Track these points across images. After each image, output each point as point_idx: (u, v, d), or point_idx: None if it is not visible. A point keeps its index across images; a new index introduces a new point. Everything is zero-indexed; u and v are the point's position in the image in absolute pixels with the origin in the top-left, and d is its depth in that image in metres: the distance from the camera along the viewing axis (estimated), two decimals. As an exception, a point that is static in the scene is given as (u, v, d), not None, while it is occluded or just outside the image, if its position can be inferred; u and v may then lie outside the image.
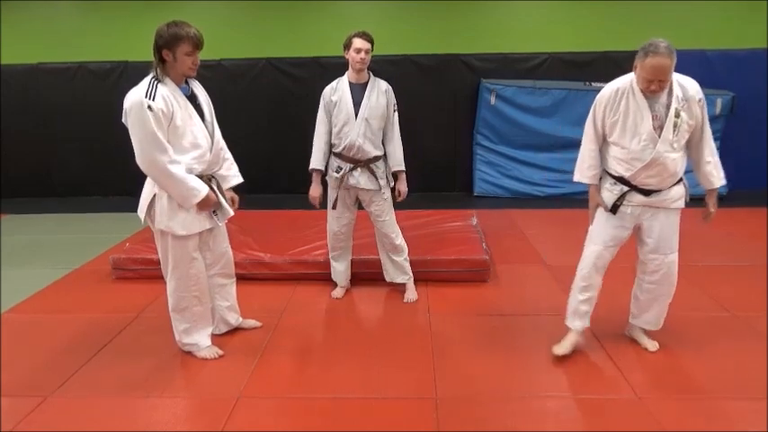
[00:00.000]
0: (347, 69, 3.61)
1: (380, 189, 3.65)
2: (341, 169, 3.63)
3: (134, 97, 2.66)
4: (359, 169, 3.61)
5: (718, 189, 2.99)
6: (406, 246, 3.85)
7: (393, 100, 3.65)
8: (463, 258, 4.10)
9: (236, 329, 3.38)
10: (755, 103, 7.00)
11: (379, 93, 3.58)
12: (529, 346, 3.22)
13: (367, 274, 4.03)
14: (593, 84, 6.87)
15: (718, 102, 6.76)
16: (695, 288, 3.98)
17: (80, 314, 3.71)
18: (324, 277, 4.16)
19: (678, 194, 2.94)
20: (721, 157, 7.37)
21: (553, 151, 6.83)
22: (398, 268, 3.86)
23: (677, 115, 2.83)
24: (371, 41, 3.50)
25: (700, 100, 2.87)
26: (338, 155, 3.64)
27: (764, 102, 7.01)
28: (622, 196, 2.91)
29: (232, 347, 3.17)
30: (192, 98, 2.86)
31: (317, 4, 7.34)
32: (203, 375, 2.93)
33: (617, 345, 3.17)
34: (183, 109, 2.76)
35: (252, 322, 3.43)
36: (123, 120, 2.71)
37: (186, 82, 2.86)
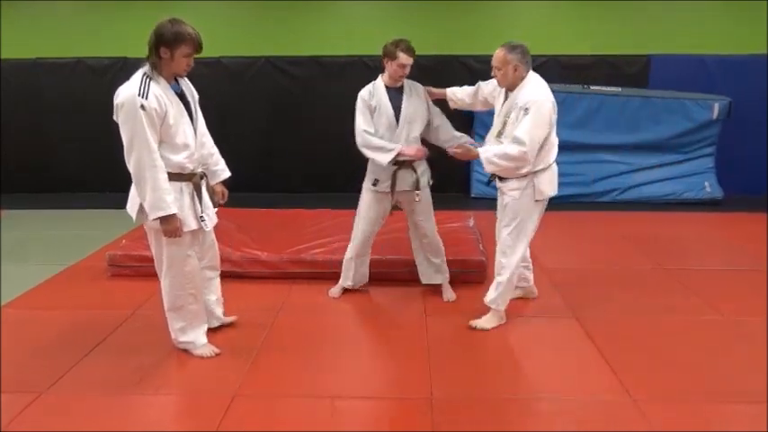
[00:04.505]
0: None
1: (418, 188, 3.65)
2: (378, 180, 3.63)
3: (126, 94, 2.61)
4: (401, 171, 3.60)
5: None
6: (443, 246, 3.86)
7: (429, 99, 3.62)
8: (460, 259, 4.11)
9: (230, 326, 3.38)
10: (753, 108, 7.02)
11: (417, 96, 3.55)
12: (524, 348, 3.24)
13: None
14: (590, 87, 6.89)
15: (716, 106, 6.78)
16: (690, 292, 4.00)
17: (75, 311, 3.70)
18: (320, 276, 4.17)
19: (512, 187, 3.27)
20: (717, 161, 7.46)
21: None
22: (436, 269, 3.86)
23: (507, 115, 3.22)
24: (414, 54, 3.43)
25: (526, 110, 3.12)
26: None
27: (762, 107, 7.04)
28: (491, 177, 3.44)
29: (228, 346, 3.17)
30: (181, 96, 2.84)
31: (317, 4, 7.34)
32: (199, 373, 2.93)
33: (612, 346, 3.18)
34: (176, 108, 2.75)
35: (231, 318, 3.44)
36: (114, 116, 2.68)
37: (176, 80, 2.84)
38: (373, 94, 3.53)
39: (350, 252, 3.86)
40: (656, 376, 2.89)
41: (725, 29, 7.13)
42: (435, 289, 3.97)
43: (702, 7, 7.14)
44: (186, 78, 2.93)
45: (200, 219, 2.90)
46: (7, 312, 3.66)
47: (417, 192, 3.64)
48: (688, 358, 3.07)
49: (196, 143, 2.88)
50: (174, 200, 2.73)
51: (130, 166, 2.70)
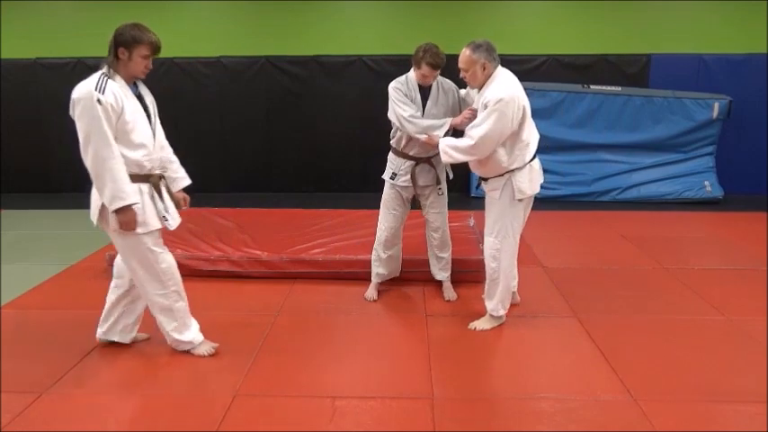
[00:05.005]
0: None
1: (439, 183, 3.66)
2: (396, 174, 3.63)
3: (83, 89, 2.63)
4: (419, 166, 3.61)
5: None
6: (450, 244, 3.87)
7: (459, 96, 3.57)
8: (460, 259, 4.10)
9: (230, 326, 3.38)
10: (753, 107, 7.05)
11: (445, 97, 3.51)
12: (524, 347, 3.24)
13: (364, 274, 4.02)
14: (590, 86, 6.90)
15: (716, 106, 6.80)
16: (690, 291, 4.00)
17: (76, 310, 3.70)
18: (321, 276, 4.17)
19: (492, 187, 3.29)
20: (717, 160, 7.48)
21: (550, 153, 6.83)
22: (442, 266, 3.88)
23: (477, 114, 3.19)
24: (440, 67, 3.37)
25: (485, 106, 3.08)
26: (399, 153, 3.62)
27: (762, 106, 7.05)
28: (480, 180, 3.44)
29: (228, 346, 3.17)
30: (139, 98, 2.83)
31: (317, 4, 7.34)
32: (199, 373, 2.93)
33: (613, 346, 3.18)
34: (133, 106, 2.75)
35: (141, 335, 3.26)
36: (70, 112, 2.67)
37: (134, 83, 2.84)
38: (408, 87, 3.48)
39: (375, 246, 3.87)
40: (656, 376, 2.88)
41: (725, 28, 7.14)
42: (435, 289, 3.97)
43: (702, 7, 7.15)
44: (143, 84, 2.90)
45: (164, 218, 2.88)
46: (7, 312, 3.66)
47: (440, 186, 3.67)
48: (688, 357, 3.07)
49: (154, 143, 2.85)
50: (134, 191, 2.70)
51: (88, 161, 2.66)
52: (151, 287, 2.92)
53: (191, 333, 3.06)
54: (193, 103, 7.26)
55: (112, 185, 2.65)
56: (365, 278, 3.99)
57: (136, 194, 2.72)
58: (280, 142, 7.54)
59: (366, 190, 6.56)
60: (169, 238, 4.46)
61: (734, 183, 7.07)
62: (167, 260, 2.93)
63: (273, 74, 7.33)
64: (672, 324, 3.49)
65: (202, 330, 3.12)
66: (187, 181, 3.13)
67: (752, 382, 2.81)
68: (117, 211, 2.69)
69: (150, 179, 2.85)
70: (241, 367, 2.96)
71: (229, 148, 7.48)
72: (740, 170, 7.18)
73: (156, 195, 2.86)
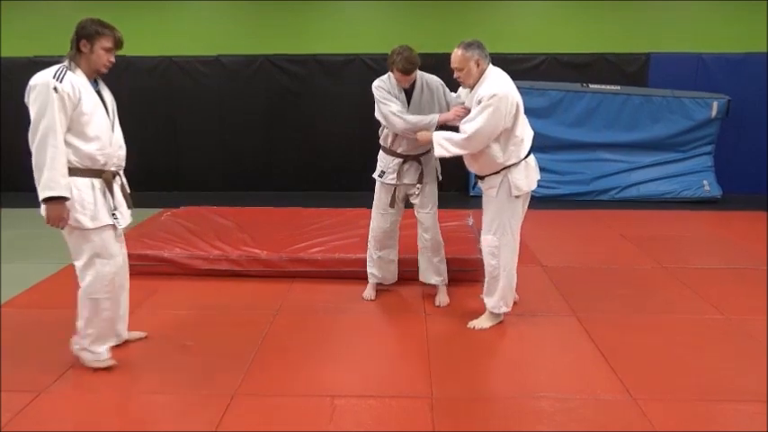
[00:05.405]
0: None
1: (426, 183, 3.64)
2: (385, 172, 3.63)
3: (41, 77, 2.64)
4: (407, 164, 3.60)
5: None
6: (443, 245, 3.84)
7: (446, 91, 3.56)
8: (459, 258, 4.11)
9: (229, 326, 3.37)
10: (752, 106, 7.05)
11: (429, 95, 3.49)
12: (524, 346, 3.24)
13: (363, 273, 4.01)
14: (589, 85, 6.90)
15: (714, 105, 6.80)
16: (689, 291, 4.01)
17: (75, 310, 3.68)
18: (320, 275, 4.17)
19: (489, 184, 3.30)
20: (716, 159, 7.48)
21: (549, 152, 6.85)
22: (435, 269, 3.84)
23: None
24: (411, 72, 3.35)
25: (479, 102, 3.11)
26: (388, 150, 3.63)
27: (760, 105, 7.06)
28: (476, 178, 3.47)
29: (227, 345, 3.17)
30: (99, 94, 2.82)
31: (317, 3, 7.34)
32: (198, 373, 2.92)
33: (612, 345, 3.19)
34: (92, 99, 2.73)
35: (138, 333, 3.26)
36: (25, 98, 2.66)
37: (95, 81, 2.83)
38: (391, 85, 3.46)
39: (368, 246, 3.87)
40: (656, 375, 2.89)
41: (724, 27, 7.14)
42: (434, 288, 3.96)
43: (701, 6, 7.16)
44: (103, 83, 2.88)
45: (113, 216, 2.83)
46: (7, 311, 3.66)
47: (418, 185, 3.64)
48: (688, 357, 3.07)
49: (111, 139, 2.81)
50: (67, 185, 2.64)
51: (33, 146, 2.63)
52: (87, 285, 2.86)
53: (101, 348, 2.95)
54: (192, 102, 7.23)
55: (47, 173, 2.60)
56: (364, 277, 3.98)
57: (68, 189, 2.65)
58: (279, 141, 7.53)
59: (365, 189, 6.50)
60: (169, 236, 4.47)
61: (732, 182, 7.08)
62: (113, 266, 2.88)
63: (273, 73, 7.32)
64: (671, 323, 3.49)
65: (202, 329, 3.13)
66: (126, 189, 3.04)
67: (752, 382, 2.81)
68: (46, 202, 2.64)
69: (103, 175, 2.80)
70: (240, 367, 2.96)
71: (228, 147, 7.46)
72: (739, 169, 7.18)
73: (107, 192, 2.82)
